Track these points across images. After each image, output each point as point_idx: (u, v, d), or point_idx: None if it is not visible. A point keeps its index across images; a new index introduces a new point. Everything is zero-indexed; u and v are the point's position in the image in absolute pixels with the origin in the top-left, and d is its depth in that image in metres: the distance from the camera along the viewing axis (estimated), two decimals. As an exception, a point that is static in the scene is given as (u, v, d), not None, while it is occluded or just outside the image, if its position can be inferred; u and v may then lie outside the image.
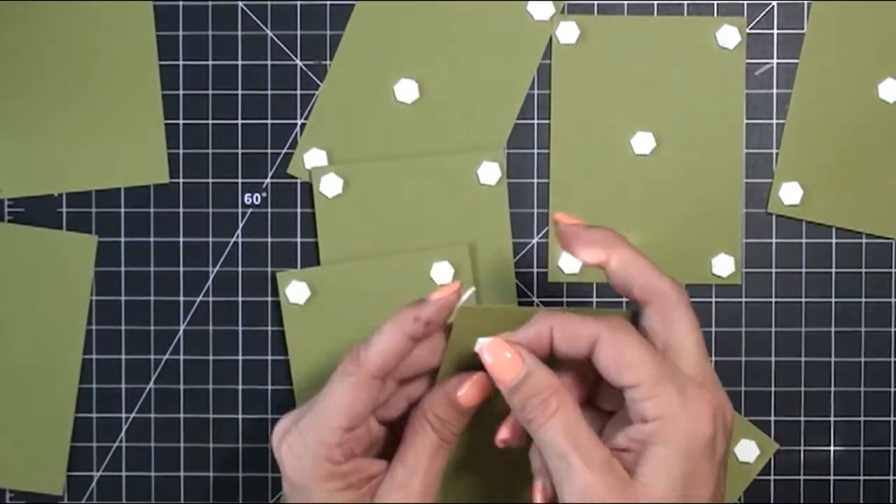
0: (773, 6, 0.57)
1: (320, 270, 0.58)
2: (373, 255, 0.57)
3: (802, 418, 0.57)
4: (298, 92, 0.58)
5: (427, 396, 0.44)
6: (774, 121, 0.57)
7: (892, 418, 0.57)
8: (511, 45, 0.57)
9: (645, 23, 0.57)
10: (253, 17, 0.58)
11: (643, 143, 0.57)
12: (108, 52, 0.58)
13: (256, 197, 0.58)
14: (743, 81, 0.57)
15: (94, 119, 0.58)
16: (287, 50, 0.58)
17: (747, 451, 0.57)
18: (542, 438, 0.41)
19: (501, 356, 0.42)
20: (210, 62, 0.58)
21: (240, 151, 0.58)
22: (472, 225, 0.57)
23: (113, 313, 0.58)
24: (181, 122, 0.58)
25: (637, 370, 0.41)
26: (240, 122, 0.58)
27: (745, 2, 0.57)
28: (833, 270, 0.57)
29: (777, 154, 0.57)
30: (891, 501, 0.57)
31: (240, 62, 0.58)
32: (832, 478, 0.57)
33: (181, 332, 0.58)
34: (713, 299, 0.57)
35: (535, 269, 0.58)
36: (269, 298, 0.58)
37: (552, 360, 0.43)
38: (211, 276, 0.58)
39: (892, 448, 0.57)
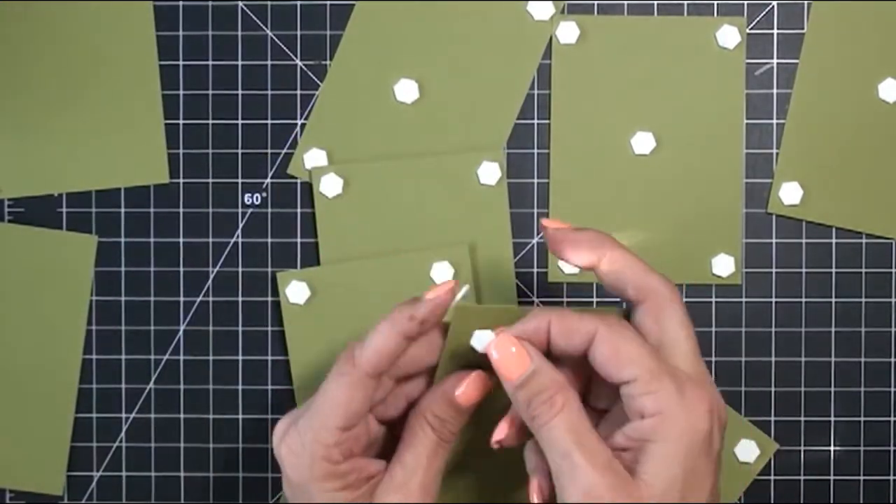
0: (773, 6, 0.57)
1: (320, 270, 0.58)
2: (373, 255, 0.57)
3: (802, 418, 0.57)
4: (298, 92, 0.58)
5: (425, 396, 0.44)
6: (774, 121, 0.57)
7: (892, 418, 0.57)
8: (511, 45, 0.57)
9: (645, 23, 0.57)
10: (253, 17, 0.58)
11: (643, 143, 0.57)
12: (108, 52, 0.58)
13: (256, 197, 0.58)
14: (743, 81, 0.57)
15: (94, 119, 0.58)
16: (287, 50, 0.58)
17: (747, 451, 0.57)
18: (545, 436, 0.41)
19: (508, 352, 0.42)
20: (210, 62, 0.58)
21: (240, 151, 0.58)
22: (472, 225, 0.57)
23: (113, 313, 0.58)
24: (181, 122, 0.58)
25: (634, 365, 0.41)
26: (240, 122, 0.58)
27: (745, 2, 0.57)
28: (833, 270, 0.57)
29: (777, 154, 0.57)
30: (891, 501, 0.57)
31: (240, 62, 0.58)
32: (832, 478, 0.57)
33: (181, 332, 0.58)
34: (713, 299, 0.57)
35: (535, 269, 0.58)
36: (269, 298, 0.58)
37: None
38: (211, 276, 0.58)
39: (892, 448, 0.57)
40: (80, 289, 0.58)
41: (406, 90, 0.57)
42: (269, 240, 0.58)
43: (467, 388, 0.44)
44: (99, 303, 0.58)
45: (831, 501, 0.57)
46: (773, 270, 0.57)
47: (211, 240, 0.58)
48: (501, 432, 0.44)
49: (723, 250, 0.57)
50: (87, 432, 0.58)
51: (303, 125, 0.58)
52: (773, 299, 0.57)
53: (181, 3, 0.58)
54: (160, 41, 0.58)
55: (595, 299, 0.57)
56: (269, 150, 0.58)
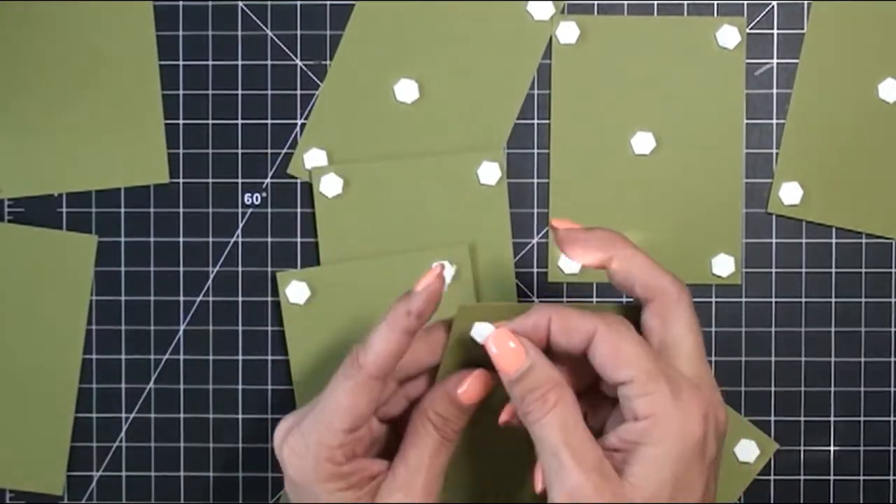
0: (773, 6, 0.57)
1: (320, 270, 0.57)
2: (373, 255, 0.57)
3: (802, 418, 0.57)
4: (298, 92, 0.58)
5: (427, 395, 0.44)
6: (774, 121, 0.57)
7: (892, 418, 0.57)
8: (511, 45, 0.57)
9: (645, 23, 0.57)
10: (253, 17, 0.58)
11: (643, 143, 0.57)
12: (108, 52, 0.58)
13: (256, 197, 0.58)
14: (743, 81, 0.57)
15: (94, 119, 0.58)
16: (287, 50, 0.58)
17: (747, 451, 0.57)
18: (537, 433, 0.41)
19: (506, 346, 0.42)
20: (210, 62, 0.58)
21: (240, 151, 0.58)
22: (472, 225, 0.57)
23: (113, 313, 0.58)
24: (181, 122, 0.58)
25: (632, 366, 0.41)
26: (240, 122, 0.58)
27: (745, 2, 0.57)
28: (833, 270, 0.57)
29: (777, 154, 0.57)
30: (891, 501, 0.57)
31: (240, 62, 0.58)
32: (832, 478, 0.57)
33: (181, 332, 0.58)
34: (713, 299, 0.57)
35: (535, 269, 0.58)
36: (269, 298, 0.58)
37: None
38: (211, 276, 0.58)
39: (892, 448, 0.57)
40: (80, 289, 0.58)
41: (406, 90, 0.57)
42: (269, 240, 0.58)
43: (469, 387, 0.44)
44: (99, 303, 0.58)
45: (831, 501, 0.57)
46: (773, 270, 0.57)
47: (211, 240, 0.58)
48: (506, 414, 0.44)
49: (723, 250, 0.57)
50: (87, 432, 0.58)
51: (303, 125, 0.58)
52: (773, 299, 0.57)
53: (181, 3, 0.58)
54: (160, 41, 0.58)
55: (595, 299, 0.57)
56: (269, 150, 0.58)
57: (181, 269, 0.58)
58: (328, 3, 0.58)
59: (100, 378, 0.58)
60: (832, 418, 0.57)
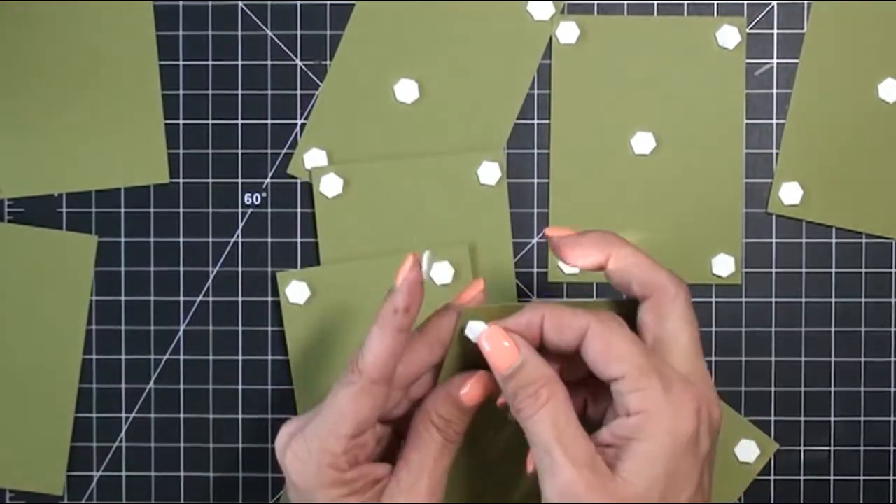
0: (773, 6, 0.57)
1: (320, 270, 0.58)
2: (373, 255, 0.57)
3: (802, 418, 0.57)
4: (298, 92, 0.58)
5: (429, 397, 0.44)
6: (774, 121, 0.57)
7: (892, 418, 0.57)
8: (511, 45, 0.57)
9: (645, 23, 0.57)
10: (253, 17, 0.58)
11: (643, 143, 0.57)
12: (108, 52, 0.58)
13: (256, 197, 0.58)
14: (743, 81, 0.57)
15: (94, 119, 0.58)
16: (287, 50, 0.58)
17: (747, 451, 0.57)
18: (529, 430, 0.41)
19: (498, 343, 0.42)
20: (210, 62, 0.58)
21: (240, 151, 0.58)
22: (472, 225, 0.57)
23: (113, 313, 0.58)
24: (181, 122, 0.58)
25: (624, 362, 0.41)
26: (240, 122, 0.58)
27: (745, 2, 0.57)
28: (833, 270, 0.57)
29: (777, 154, 0.57)
30: (891, 501, 0.57)
31: (240, 62, 0.58)
32: (832, 478, 0.57)
33: (181, 332, 0.58)
34: (713, 299, 0.57)
35: (535, 269, 0.58)
36: (269, 298, 0.58)
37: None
38: (211, 276, 0.58)
39: (892, 448, 0.57)
40: (80, 289, 0.58)
41: (406, 90, 0.57)
42: (269, 240, 0.58)
43: (471, 389, 0.43)
44: (99, 303, 0.58)
45: (831, 501, 0.57)
46: (773, 270, 0.57)
47: (211, 240, 0.58)
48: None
49: (723, 250, 0.57)
50: (87, 432, 0.58)
51: (303, 125, 0.58)
52: (773, 299, 0.57)
53: (181, 3, 0.58)
54: (160, 41, 0.58)
55: (595, 300, 0.57)
56: (269, 150, 0.58)
57: (181, 269, 0.58)
58: (328, 3, 0.58)
59: (100, 378, 0.58)
60: (832, 418, 0.57)
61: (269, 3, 0.58)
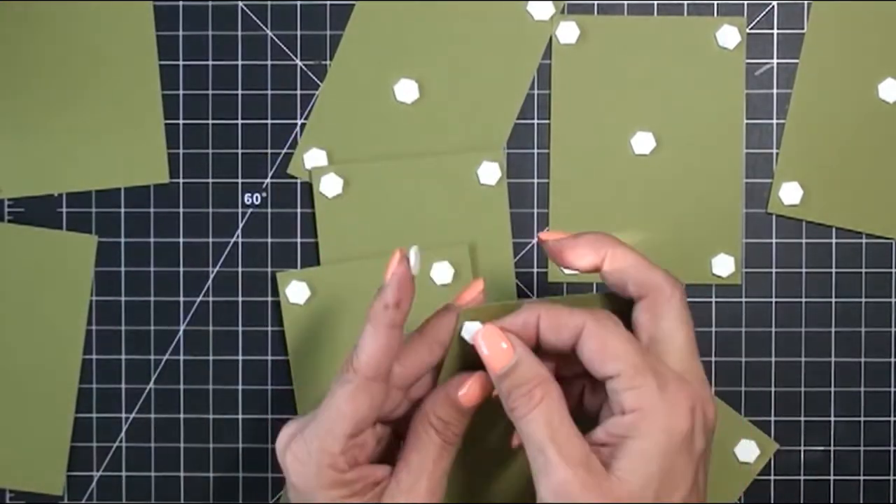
0: (773, 6, 0.57)
1: (320, 270, 0.58)
2: (373, 255, 0.57)
3: (802, 418, 0.57)
4: (298, 92, 0.58)
5: (428, 399, 0.44)
6: (774, 121, 0.57)
7: (891, 418, 0.57)
8: (511, 45, 0.57)
9: (645, 23, 0.57)
10: (253, 17, 0.58)
11: (643, 143, 0.57)
12: (108, 52, 0.58)
13: (256, 197, 0.58)
14: (743, 81, 0.57)
15: (94, 119, 0.58)
16: (287, 50, 0.58)
17: (747, 451, 0.57)
18: (523, 429, 0.41)
19: (492, 343, 0.42)
20: (210, 62, 0.58)
21: (240, 151, 0.58)
22: (472, 225, 0.57)
23: (113, 313, 0.58)
24: (181, 122, 0.58)
25: (619, 361, 0.41)
26: (240, 122, 0.58)
27: (745, 2, 0.57)
28: (833, 270, 0.57)
29: (777, 154, 0.57)
30: (891, 501, 0.57)
31: (240, 62, 0.58)
32: (832, 478, 0.57)
33: (181, 332, 0.58)
34: (713, 299, 0.57)
35: (535, 269, 0.58)
36: (269, 298, 0.58)
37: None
38: (211, 276, 0.58)
39: (892, 448, 0.57)
40: (80, 289, 0.58)
41: (406, 90, 0.57)
42: (269, 240, 0.58)
43: (470, 389, 0.43)
44: (99, 303, 0.58)
45: (831, 501, 0.57)
46: (773, 270, 0.57)
47: (211, 240, 0.58)
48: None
49: (723, 250, 0.57)
50: (87, 432, 0.58)
51: (303, 125, 0.58)
52: (773, 299, 0.57)
53: (181, 3, 0.58)
54: (160, 41, 0.58)
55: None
56: (269, 150, 0.58)
57: (181, 269, 0.58)
58: (328, 3, 0.58)
59: (100, 378, 0.58)
60: (832, 418, 0.57)
61: (269, 3, 0.58)
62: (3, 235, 0.58)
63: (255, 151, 0.58)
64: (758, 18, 0.57)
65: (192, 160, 0.58)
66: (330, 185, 0.57)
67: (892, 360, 0.57)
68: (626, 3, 0.57)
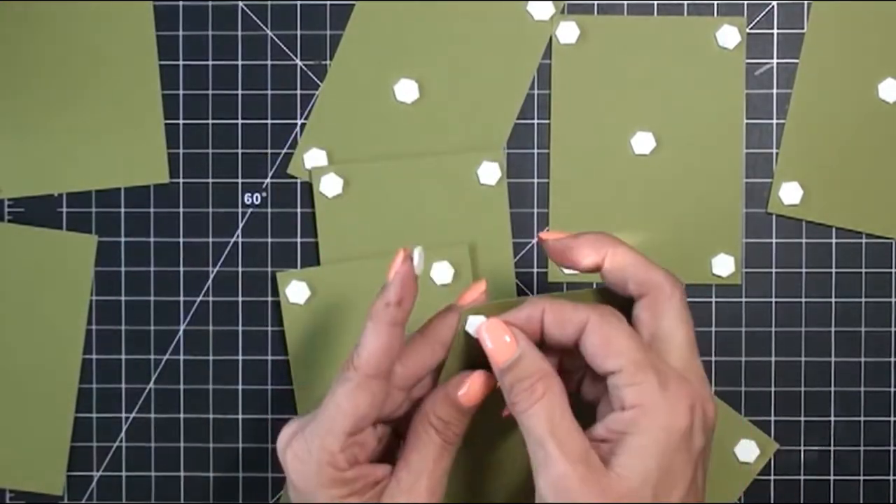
0: (773, 6, 0.57)
1: (320, 270, 0.58)
2: (373, 255, 0.57)
3: (802, 418, 0.57)
4: (298, 92, 0.58)
5: (428, 399, 0.44)
6: (774, 121, 0.57)
7: (892, 418, 0.57)
8: (511, 45, 0.57)
9: (645, 23, 0.57)
10: (253, 17, 0.58)
11: (643, 143, 0.57)
12: (108, 52, 0.58)
13: (256, 197, 0.58)
14: (743, 81, 0.57)
15: (94, 119, 0.58)
16: (287, 50, 0.58)
17: (747, 451, 0.57)
18: (524, 423, 0.41)
19: (496, 336, 0.42)
20: (210, 62, 0.58)
21: (240, 151, 0.58)
22: (472, 225, 0.57)
23: (113, 313, 0.58)
24: (181, 122, 0.58)
25: (621, 357, 0.41)
26: (240, 122, 0.58)
27: (745, 2, 0.57)
28: (833, 270, 0.57)
29: (777, 154, 0.57)
30: (891, 501, 0.57)
31: (240, 62, 0.58)
32: (832, 478, 0.57)
33: (181, 332, 0.58)
34: (713, 299, 0.57)
35: (535, 269, 0.58)
36: (269, 298, 0.58)
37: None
38: (211, 276, 0.58)
39: (892, 448, 0.57)
40: (80, 289, 0.58)
41: (406, 90, 0.57)
42: (269, 240, 0.58)
43: (469, 389, 0.44)
44: (99, 303, 0.58)
45: (831, 501, 0.57)
46: (773, 270, 0.57)
47: (211, 240, 0.58)
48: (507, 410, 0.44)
49: (723, 250, 0.57)
50: (87, 432, 0.58)
51: (303, 125, 0.58)
52: (773, 299, 0.57)
53: (181, 3, 0.58)
54: (160, 41, 0.58)
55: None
56: (269, 150, 0.58)
57: (181, 269, 0.58)
58: (328, 3, 0.58)
59: (100, 378, 0.58)
60: (832, 418, 0.57)
61: (269, 3, 0.58)
62: (3, 235, 0.58)
63: (255, 151, 0.58)
64: (758, 18, 0.57)
65: (192, 160, 0.58)
66: (330, 185, 0.57)
67: (892, 360, 0.57)
68: (626, 3, 0.57)
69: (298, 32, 0.58)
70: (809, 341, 0.57)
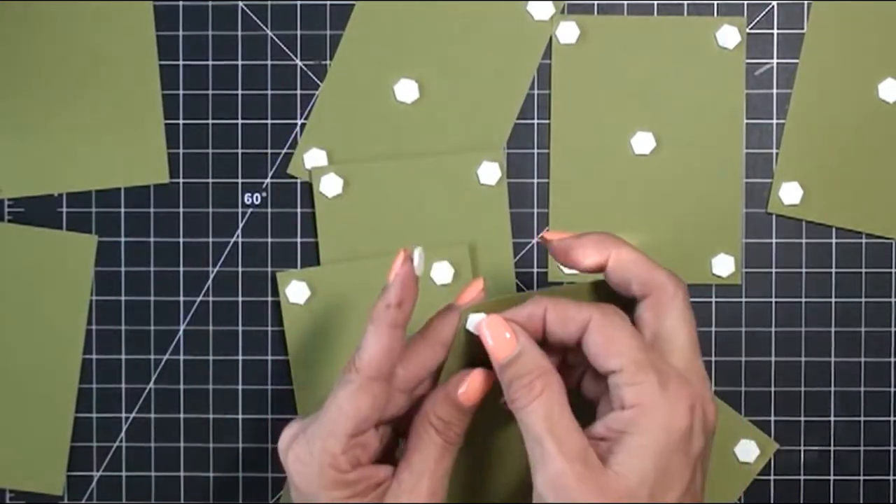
0: (773, 6, 0.57)
1: (320, 270, 0.58)
2: (373, 255, 0.57)
3: (802, 418, 0.57)
4: (298, 92, 0.58)
5: (428, 399, 0.44)
6: (774, 121, 0.57)
7: (891, 418, 0.57)
8: (511, 45, 0.57)
9: (645, 23, 0.57)
10: (253, 17, 0.58)
11: (643, 143, 0.57)
12: (108, 52, 0.58)
13: (256, 197, 0.58)
14: (743, 81, 0.57)
15: (94, 119, 0.58)
16: (287, 50, 0.58)
17: (747, 451, 0.57)
18: (522, 420, 0.41)
19: (496, 332, 0.42)
20: (210, 62, 0.58)
21: (240, 151, 0.58)
22: (472, 225, 0.57)
23: (113, 313, 0.58)
24: (181, 122, 0.58)
25: (622, 356, 0.41)
26: (240, 122, 0.58)
27: (745, 2, 0.57)
28: (833, 270, 0.57)
29: (777, 154, 0.57)
30: (891, 501, 0.57)
31: (240, 62, 0.58)
32: (832, 478, 0.57)
33: (181, 332, 0.58)
34: (713, 299, 0.57)
35: (535, 269, 0.58)
36: (269, 298, 0.58)
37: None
38: (211, 276, 0.58)
39: (892, 448, 0.57)
40: (80, 289, 0.58)
41: (406, 90, 0.57)
42: (269, 240, 0.58)
43: (469, 387, 0.44)
44: (99, 303, 0.58)
45: (831, 501, 0.57)
46: (773, 270, 0.57)
47: (211, 240, 0.58)
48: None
49: (723, 250, 0.57)
50: (87, 432, 0.58)
51: (303, 125, 0.58)
52: (773, 299, 0.57)
53: (181, 3, 0.58)
54: (160, 41, 0.58)
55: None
56: (269, 150, 0.58)
57: (181, 269, 0.58)
58: (328, 3, 0.58)
59: (100, 378, 0.58)
60: (832, 418, 0.57)
61: (269, 3, 0.58)
62: (3, 235, 0.58)
63: (255, 151, 0.58)
64: (758, 18, 0.57)
65: (192, 160, 0.58)
66: (330, 185, 0.57)
67: (892, 360, 0.57)
68: (626, 3, 0.57)
69: (298, 32, 0.58)
70: (809, 341, 0.57)
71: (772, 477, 0.57)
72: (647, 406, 0.40)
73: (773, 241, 0.57)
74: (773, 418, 0.57)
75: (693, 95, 0.57)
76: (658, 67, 0.57)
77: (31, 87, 0.58)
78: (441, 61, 0.58)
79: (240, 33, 0.58)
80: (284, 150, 0.58)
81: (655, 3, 0.57)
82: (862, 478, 0.57)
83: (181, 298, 0.58)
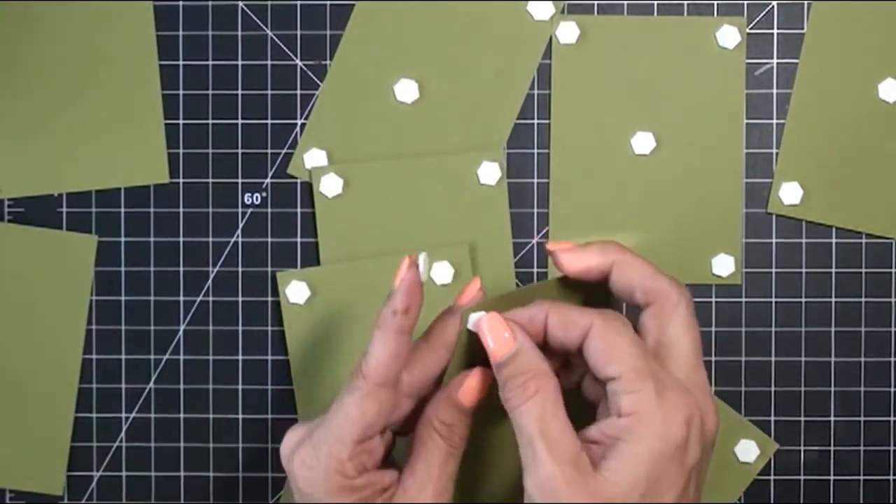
0: (773, 6, 0.57)
1: (320, 270, 0.58)
2: (373, 255, 0.57)
3: (802, 418, 0.57)
4: (298, 92, 0.58)
5: (430, 404, 0.44)
6: (774, 121, 0.57)
7: (891, 418, 0.57)
8: (511, 45, 0.57)
9: (645, 23, 0.57)
10: (253, 17, 0.58)
11: (643, 143, 0.57)
12: (108, 52, 0.58)
13: (256, 197, 0.58)
14: (743, 81, 0.57)
15: (94, 119, 0.58)
16: (287, 50, 0.58)
17: (747, 451, 0.57)
18: (516, 420, 0.41)
19: (494, 330, 0.42)
20: (210, 62, 0.58)
21: (240, 151, 0.58)
22: (472, 225, 0.57)
23: (113, 313, 0.58)
24: (181, 122, 0.58)
25: (621, 363, 0.41)
26: (240, 122, 0.58)
27: (745, 2, 0.57)
28: (833, 270, 0.57)
29: (777, 154, 0.57)
30: (891, 501, 0.57)
31: (240, 62, 0.58)
32: (832, 478, 0.57)
33: (181, 332, 0.58)
34: (713, 299, 0.57)
35: (535, 269, 0.58)
36: (269, 298, 0.58)
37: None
38: (211, 276, 0.58)
39: (892, 448, 0.57)
40: (80, 289, 0.58)
41: (406, 90, 0.57)
42: (269, 240, 0.58)
43: (467, 386, 0.44)
44: (99, 303, 0.58)
45: (831, 501, 0.57)
46: (773, 270, 0.57)
47: (211, 240, 0.58)
48: None
49: (723, 250, 0.57)
50: (87, 432, 0.58)
51: (303, 125, 0.58)
52: (773, 299, 0.57)
53: (181, 3, 0.58)
54: (160, 41, 0.58)
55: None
56: (269, 150, 0.58)
57: (181, 269, 0.58)
58: (328, 3, 0.58)
59: (100, 378, 0.58)
60: (832, 418, 0.57)
61: (269, 3, 0.58)
62: (3, 235, 0.58)
63: (255, 151, 0.58)
64: (758, 18, 0.57)
65: (192, 160, 0.58)
66: (330, 185, 0.57)
67: (892, 359, 0.57)
68: (626, 3, 0.57)
69: (298, 32, 0.58)
70: (809, 341, 0.57)
71: (772, 477, 0.57)
72: (643, 415, 0.40)
73: (773, 241, 0.57)
74: (773, 418, 0.57)
75: (693, 95, 0.57)
76: (658, 67, 0.57)
77: (31, 87, 0.58)
78: (441, 61, 0.58)
79: (240, 33, 0.58)
80: (284, 150, 0.58)
81: (655, 3, 0.57)
82: (862, 478, 0.57)
83: (181, 298, 0.58)
